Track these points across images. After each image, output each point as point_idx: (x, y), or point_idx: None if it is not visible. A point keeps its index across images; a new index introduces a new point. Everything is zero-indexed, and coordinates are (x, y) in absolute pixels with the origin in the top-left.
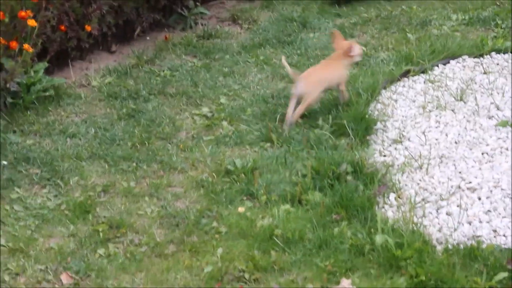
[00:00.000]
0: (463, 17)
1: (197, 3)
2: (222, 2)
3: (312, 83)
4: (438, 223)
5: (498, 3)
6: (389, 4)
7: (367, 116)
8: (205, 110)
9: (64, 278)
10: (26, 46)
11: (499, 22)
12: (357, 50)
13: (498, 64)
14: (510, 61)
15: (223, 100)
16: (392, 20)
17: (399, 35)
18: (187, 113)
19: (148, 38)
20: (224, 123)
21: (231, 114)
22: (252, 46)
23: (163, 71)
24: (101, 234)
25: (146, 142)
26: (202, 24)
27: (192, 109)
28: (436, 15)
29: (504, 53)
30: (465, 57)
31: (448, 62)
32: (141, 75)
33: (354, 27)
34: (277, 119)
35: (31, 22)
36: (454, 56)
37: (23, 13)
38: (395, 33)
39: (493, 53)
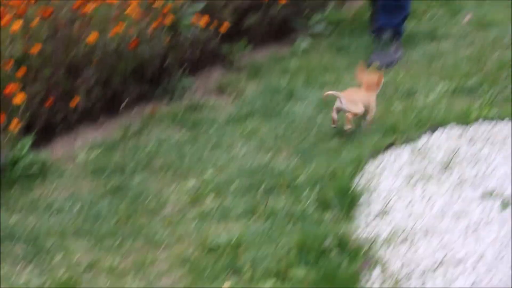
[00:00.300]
0: (448, 86)
1: (184, 75)
2: (208, 73)
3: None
4: None
5: (483, 72)
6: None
7: (352, 189)
8: (191, 183)
9: None
10: (14, 121)
11: (485, 91)
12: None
13: (483, 133)
14: (496, 130)
15: (209, 173)
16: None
17: (385, 106)
18: (173, 186)
19: (135, 110)
20: (210, 196)
21: (218, 187)
22: (239, 118)
23: (149, 144)
24: None
25: (131, 218)
26: (188, 96)
27: (179, 183)
28: (422, 84)
29: (490, 122)
30: (451, 126)
31: (434, 132)
32: (127, 148)
33: None
34: (264, 192)
35: (19, 98)
36: (440, 126)
37: (10, 88)
38: (381, 103)
39: (479, 122)
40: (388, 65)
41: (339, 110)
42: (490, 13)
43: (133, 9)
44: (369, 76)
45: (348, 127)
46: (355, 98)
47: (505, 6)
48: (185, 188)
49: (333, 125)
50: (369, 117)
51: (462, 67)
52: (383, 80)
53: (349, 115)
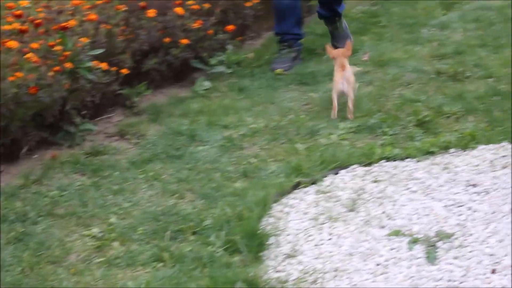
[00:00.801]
0: (350, 125)
1: (84, 119)
2: (109, 117)
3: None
4: None
5: (384, 110)
6: (277, 114)
7: (259, 231)
8: (95, 230)
9: None
10: None
11: (386, 129)
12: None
13: (387, 172)
14: (398, 169)
15: (113, 219)
16: (281, 130)
17: (288, 146)
18: (77, 234)
19: (35, 156)
20: (115, 243)
21: (122, 234)
22: (141, 162)
23: (52, 191)
24: None
25: (36, 267)
26: (89, 141)
27: (82, 230)
28: (324, 123)
29: (393, 161)
30: (355, 166)
31: (338, 172)
32: (28, 196)
33: (243, 139)
34: (170, 237)
35: None
36: (344, 166)
37: None
38: (284, 143)
39: (382, 161)
40: (287, 69)
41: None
42: (387, 52)
43: (32, 54)
44: (338, 51)
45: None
46: (352, 80)
47: (402, 45)
48: (90, 235)
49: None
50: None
51: (363, 106)
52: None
53: (350, 103)
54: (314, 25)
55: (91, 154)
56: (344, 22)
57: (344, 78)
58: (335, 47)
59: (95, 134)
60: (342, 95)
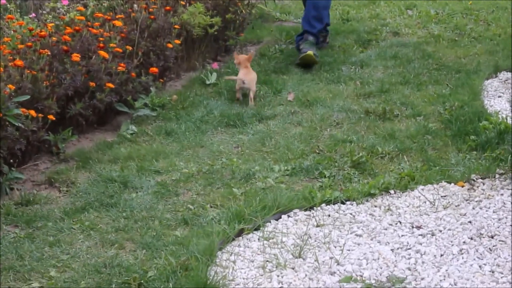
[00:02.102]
0: (285, 167)
1: (12, 168)
2: (35, 164)
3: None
4: None
5: (317, 151)
6: (209, 158)
7: (208, 282)
8: (35, 285)
9: None
10: None
11: (323, 171)
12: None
13: (329, 216)
14: (341, 212)
15: (53, 273)
16: (215, 174)
17: (224, 191)
18: None
19: None
20: None
21: None
22: (74, 211)
23: None
24: None
25: None
26: (18, 189)
27: (22, 285)
28: (258, 166)
29: (334, 204)
30: (296, 210)
31: (280, 217)
32: None
33: (177, 184)
34: None
35: None
36: (285, 210)
37: None
38: (220, 188)
39: (323, 205)
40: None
41: (243, 91)
42: (312, 91)
43: None
44: (242, 56)
45: (253, 104)
46: (252, 77)
47: (324, 84)
48: None
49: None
50: (252, 93)
51: (295, 147)
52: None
53: (252, 94)
54: (233, 65)
55: (22, 204)
56: (310, 38)
57: (246, 76)
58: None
59: (22, 183)
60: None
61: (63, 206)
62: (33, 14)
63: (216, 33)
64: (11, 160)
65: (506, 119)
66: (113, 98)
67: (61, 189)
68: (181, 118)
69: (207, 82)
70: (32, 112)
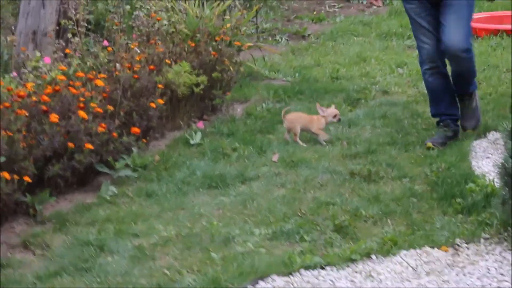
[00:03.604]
0: (266, 231)
1: None
2: (11, 226)
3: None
4: None
5: (300, 214)
6: (189, 220)
7: None
8: None
9: None
10: None
11: (305, 235)
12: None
13: (308, 282)
14: (320, 279)
15: None
16: (194, 238)
17: (202, 255)
18: None
19: None
20: None
21: None
22: (48, 276)
23: None
24: None
25: None
26: None
27: None
28: (238, 230)
29: (313, 270)
30: (274, 276)
31: (257, 283)
32: None
33: (154, 248)
34: None
35: None
36: (263, 276)
37: None
38: (198, 253)
39: (302, 270)
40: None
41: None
42: (297, 151)
43: None
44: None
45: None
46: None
47: (311, 144)
48: None
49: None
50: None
51: (277, 210)
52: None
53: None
54: (220, 125)
55: None
56: (477, 101)
57: None
58: (463, 127)
59: None
60: None
61: (37, 271)
62: (15, 73)
63: (202, 92)
64: None
65: (493, 181)
66: (93, 159)
67: (36, 252)
68: (163, 179)
69: (191, 142)
70: (6, 175)
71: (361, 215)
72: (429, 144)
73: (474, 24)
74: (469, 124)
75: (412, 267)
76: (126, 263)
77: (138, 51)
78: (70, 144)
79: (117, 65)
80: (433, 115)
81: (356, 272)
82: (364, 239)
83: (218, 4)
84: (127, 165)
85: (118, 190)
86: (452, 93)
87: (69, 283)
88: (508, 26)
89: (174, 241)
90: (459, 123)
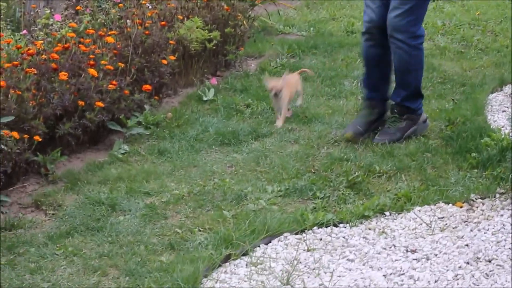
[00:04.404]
0: (279, 188)
1: None
2: (22, 186)
3: None
4: None
5: (313, 171)
6: (201, 178)
7: None
8: None
9: None
10: None
11: (317, 192)
12: None
13: (321, 239)
14: (333, 236)
15: None
16: (206, 196)
17: (214, 213)
18: None
19: None
20: None
21: None
22: (59, 236)
23: None
24: None
25: None
26: (3, 213)
27: None
28: (251, 187)
29: (326, 227)
30: (287, 234)
31: (270, 242)
32: None
33: (166, 206)
34: None
35: None
36: (275, 234)
37: None
38: (210, 211)
39: (315, 228)
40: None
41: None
42: (311, 107)
43: None
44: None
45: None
46: None
47: (325, 99)
48: None
49: None
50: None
51: (290, 167)
52: None
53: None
54: (233, 81)
55: (5, 228)
56: (410, 128)
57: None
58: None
59: (8, 206)
60: None
61: (48, 231)
62: (25, 31)
63: (215, 47)
64: None
65: (509, 135)
66: (104, 117)
67: (47, 212)
68: (175, 136)
69: (204, 99)
70: (15, 134)
71: (375, 171)
72: (348, 135)
73: None
74: (379, 139)
75: (426, 223)
76: (137, 222)
77: (150, 7)
78: (81, 102)
79: (128, 21)
80: (363, 87)
81: (369, 228)
82: (378, 195)
83: None
84: (139, 123)
85: (130, 148)
86: (387, 70)
87: (80, 243)
88: None
89: (186, 199)
90: (388, 103)
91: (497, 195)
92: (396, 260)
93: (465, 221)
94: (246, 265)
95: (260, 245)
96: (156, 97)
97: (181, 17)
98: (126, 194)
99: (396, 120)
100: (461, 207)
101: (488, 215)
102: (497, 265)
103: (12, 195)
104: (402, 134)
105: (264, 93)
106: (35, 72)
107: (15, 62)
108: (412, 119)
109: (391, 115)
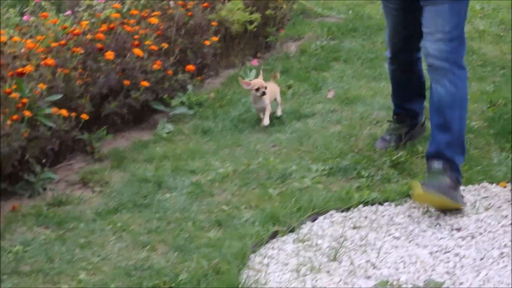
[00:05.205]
0: (323, 167)
1: (45, 168)
2: (69, 164)
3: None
4: None
5: (356, 151)
6: (245, 157)
7: (240, 286)
8: None
9: None
10: None
11: (362, 171)
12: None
13: (366, 217)
14: (378, 214)
15: (82, 275)
16: (251, 174)
17: (260, 191)
18: None
19: None
20: None
21: None
22: (107, 212)
23: (15, 246)
24: None
25: None
26: (51, 190)
27: None
28: (295, 166)
29: (371, 205)
30: (333, 212)
31: (316, 219)
32: None
33: (212, 184)
34: None
35: None
36: (321, 212)
37: None
38: (256, 189)
39: (360, 206)
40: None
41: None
42: (352, 88)
43: None
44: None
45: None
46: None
47: (365, 81)
48: None
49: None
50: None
51: (333, 147)
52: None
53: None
54: (274, 62)
55: (54, 204)
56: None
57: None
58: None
59: (56, 183)
60: None
61: (96, 207)
62: (69, 12)
63: (255, 29)
64: (44, 160)
65: None
66: (149, 96)
67: (94, 189)
68: (219, 116)
69: (246, 79)
70: (64, 112)
71: (418, 151)
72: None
73: None
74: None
75: (470, 202)
76: (184, 199)
77: None
78: (126, 82)
79: (171, 2)
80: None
81: (414, 207)
82: (422, 174)
83: None
84: (182, 103)
85: (174, 128)
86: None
87: (128, 219)
88: None
89: (231, 178)
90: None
91: None
92: (441, 238)
93: (509, 201)
94: (293, 241)
95: (307, 222)
96: (198, 78)
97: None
98: (171, 172)
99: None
100: (504, 187)
101: None
102: None
103: (59, 172)
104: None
105: (306, 74)
106: (82, 51)
107: (62, 42)
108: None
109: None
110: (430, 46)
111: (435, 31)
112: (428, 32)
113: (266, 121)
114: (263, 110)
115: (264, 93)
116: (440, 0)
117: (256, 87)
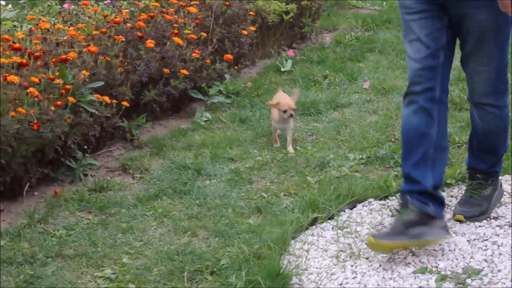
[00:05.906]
0: (360, 156)
1: (86, 154)
2: (109, 150)
3: None
4: None
5: (393, 140)
6: (282, 145)
7: (281, 271)
8: (108, 272)
9: None
10: None
11: (399, 160)
12: None
13: None
14: None
15: (125, 259)
16: (289, 162)
17: (298, 179)
18: (89, 276)
19: (36, 193)
20: (131, 285)
21: (137, 275)
22: (148, 198)
23: (58, 230)
24: None
25: None
26: (92, 176)
27: (94, 272)
28: (333, 155)
29: None
30: (371, 199)
31: (355, 206)
32: (35, 236)
33: (251, 172)
34: (187, 278)
35: None
36: (360, 200)
37: None
38: (294, 176)
39: (398, 194)
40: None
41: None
42: (388, 79)
43: (33, 88)
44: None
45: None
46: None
47: (400, 72)
48: (103, 276)
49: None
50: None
51: (370, 136)
52: None
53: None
54: (309, 53)
55: (95, 190)
56: (496, 189)
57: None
58: (456, 212)
59: (96, 169)
60: None
61: (137, 193)
62: (108, 0)
63: (291, 20)
64: (85, 147)
65: None
66: (187, 85)
67: (134, 175)
68: (256, 105)
69: (282, 69)
70: (106, 98)
71: (454, 141)
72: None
73: None
74: (467, 211)
75: (507, 192)
76: (223, 186)
77: None
78: (166, 70)
79: None
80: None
81: (451, 196)
82: (459, 164)
83: None
84: (220, 92)
85: (212, 116)
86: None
87: (169, 205)
88: None
89: (269, 165)
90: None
91: None
92: (479, 226)
93: None
94: (332, 228)
95: (345, 210)
96: (235, 67)
97: None
98: (210, 160)
99: (480, 187)
100: None
101: None
102: None
103: (99, 159)
104: (489, 203)
105: (341, 65)
106: (123, 39)
107: (103, 30)
108: (495, 184)
109: (470, 181)
110: None
111: None
112: None
113: (290, 148)
114: (285, 130)
115: (291, 115)
116: None
117: (283, 109)
